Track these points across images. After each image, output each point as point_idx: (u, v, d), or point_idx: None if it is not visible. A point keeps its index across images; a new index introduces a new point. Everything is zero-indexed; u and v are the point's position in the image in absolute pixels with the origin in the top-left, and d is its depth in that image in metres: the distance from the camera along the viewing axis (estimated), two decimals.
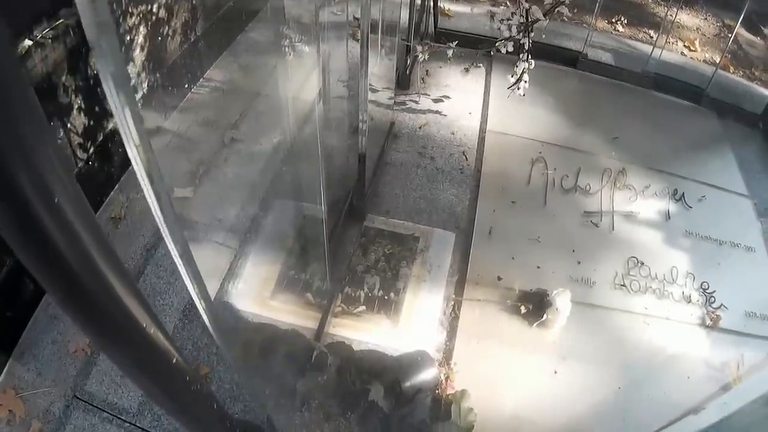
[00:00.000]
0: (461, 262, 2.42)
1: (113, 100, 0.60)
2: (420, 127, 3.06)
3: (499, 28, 2.54)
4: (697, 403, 2.14)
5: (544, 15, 2.45)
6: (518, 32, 2.49)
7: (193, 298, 0.95)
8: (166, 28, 2.73)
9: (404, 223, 2.54)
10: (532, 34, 2.46)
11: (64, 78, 2.12)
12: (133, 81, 2.53)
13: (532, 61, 2.49)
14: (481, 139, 2.99)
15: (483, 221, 2.56)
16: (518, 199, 2.71)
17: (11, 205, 0.47)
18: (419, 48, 2.97)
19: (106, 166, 2.49)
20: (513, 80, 2.53)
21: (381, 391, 1.85)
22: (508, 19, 2.53)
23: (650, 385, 2.18)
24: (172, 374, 0.87)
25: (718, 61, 4.04)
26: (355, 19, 2.72)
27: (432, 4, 3.46)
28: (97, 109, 2.36)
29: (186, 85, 3.01)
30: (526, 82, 2.52)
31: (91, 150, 2.38)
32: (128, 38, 2.45)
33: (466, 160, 2.86)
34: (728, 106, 3.87)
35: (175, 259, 0.86)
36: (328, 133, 2.35)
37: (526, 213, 2.66)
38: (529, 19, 2.46)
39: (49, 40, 2.02)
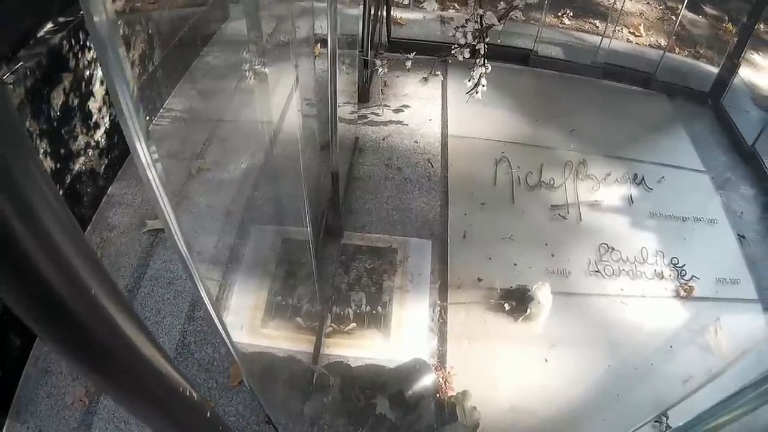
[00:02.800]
0: (441, 268, 2.67)
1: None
2: (384, 139, 3.31)
3: (454, 35, 2.76)
4: (682, 369, 2.44)
5: (499, 20, 2.70)
6: (474, 38, 2.73)
7: (220, 329, 1.10)
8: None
9: (381, 236, 2.78)
10: (487, 39, 2.71)
11: (27, 123, 2.26)
12: (95, 117, 2.71)
13: (489, 66, 2.75)
14: (444, 145, 3.27)
15: (456, 226, 2.82)
16: (487, 200, 2.99)
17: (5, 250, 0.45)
18: (378, 62, 3.21)
19: (77, 207, 2.63)
20: (470, 85, 2.79)
21: (386, 404, 2.06)
22: (463, 26, 2.76)
23: (636, 360, 2.48)
24: (183, 406, 0.87)
25: (663, 44, 4.45)
26: (315, 35, 2.95)
27: (384, 14, 3.71)
28: (62, 151, 2.51)
29: (147, 117, 3.17)
30: (483, 86, 2.78)
31: (60, 192, 2.53)
32: (88, 73, 2.63)
33: (432, 167, 3.13)
34: (677, 88, 4.29)
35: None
36: (301, 152, 2.57)
37: (496, 213, 2.94)
38: (484, 25, 2.70)
39: (10, 85, 2.15)
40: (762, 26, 5.85)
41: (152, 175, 0.85)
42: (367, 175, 3.08)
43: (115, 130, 2.89)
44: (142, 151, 0.81)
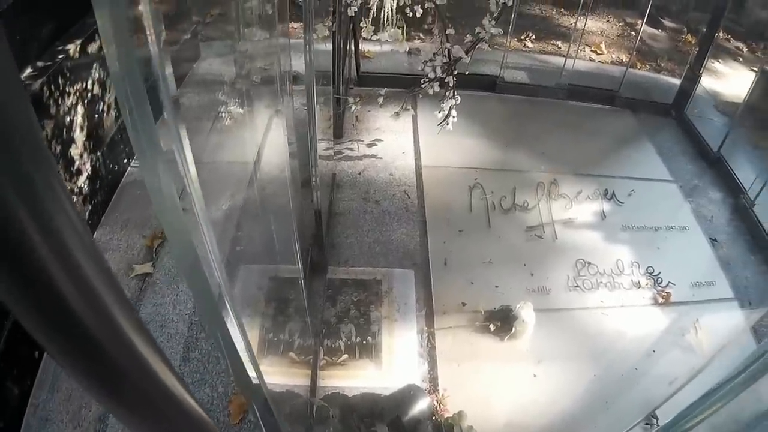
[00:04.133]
0: (425, 295, 2.86)
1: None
2: (360, 173, 3.53)
3: (423, 69, 3.00)
4: (666, 371, 2.64)
5: (466, 53, 2.95)
6: (443, 72, 2.97)
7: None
8: (101, 104, 3.10)
9: (365, 269, 2.97)
10: (456, 72, 2.95)
11: None
12: (77, 163, 2.88)
13: (458, 97, 2.98)
14: (419, 176, 3.50)
15: (436, 254, 3.03)
16: (464, 226, 3.21)
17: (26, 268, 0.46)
18: (351, 100, 3.45)
19: None
20: (441, 116, 3.02)
21: (386, 430, 2.23)
22: (432, 60, 3.00)
23: (621, 367, 2.68)
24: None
25: (625, 61, 4.78)
26: (288, 73, 3.16)
27: (353, 48, 3.96)
28: None
29: (125, 160, 3.36)
30: (454, 117, 3.02)
31: None
32: (68, 119, 2.80)
33: (409, 198, 3.35)
34: (641, 102, 4.62)
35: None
36: (282, 191, 2.77)
37: (474, 238, 3.16)
38: (452, 59, 2.94)
39: None
40: (721, 34, 6.28)
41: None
42: (346, 210, 3.28)
43: (97, 176, 3.05)
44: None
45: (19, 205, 0.43)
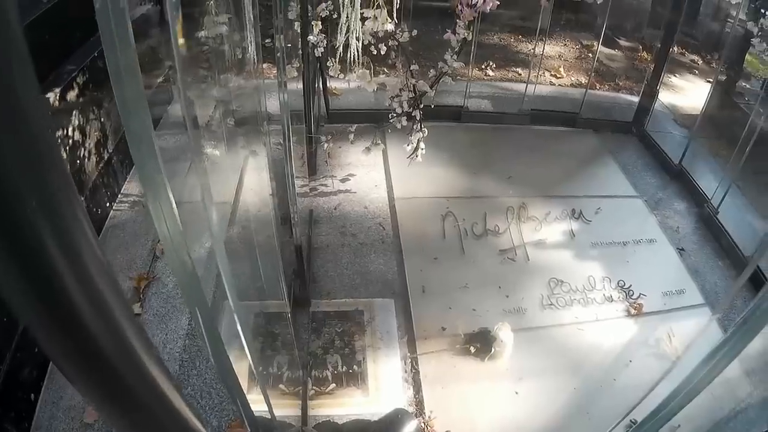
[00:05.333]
0: (406, 323, 3.04)
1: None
2: (335, 208, 3.72)
3: (390, 105, 3.21)
4: (643, 378, 2.82)
5: (430, 87, 3.17)
6: (409, 106, 3.18)
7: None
8: (82, 149, 3.24)
9: (346, 300, 3.14)
10: (422, 105, 3.17)
11: None
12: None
13: (425, 130, 3.19)
14: (393, 208, 3.71)
15: (414, 282, 3.22)
16: (439, 254, 3.41)
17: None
18: (323, 138, 3.65)
19: None
20: (410, 149, 3.24)
21: None
22: (398, 95, 3.22)
23: (600, 379, 2.87)
24: None
25: (584, 83, 5.09)
26: (262, 112, 3.34)
27: (322, 87, 4.18)
28: None
29: (108, 204, 3.50)
30: (422, 149, 3.23)
31: None
32: None
33: (384, 229, 3.55)
34: (602, 122, 4.92)
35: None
36: (263, 228, 2.94)
37: (450, 265, 3.35)
38: (417, 93, 3.16)
39: None
40: (676, 49, 6.67)
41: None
42: (325, 245, 3.46)
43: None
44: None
45: (48, 233, 0.46)
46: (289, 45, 3.39)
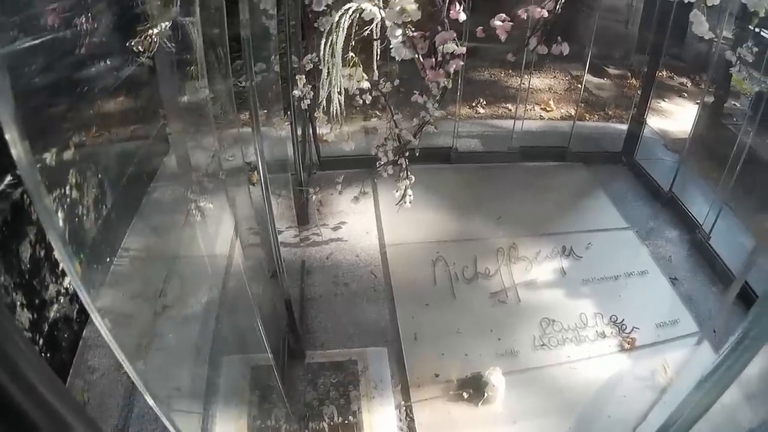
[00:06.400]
0: (399, 370, 3.13)
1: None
2: (327, 258, 3.84)
3: (376, 154, 3.33)
4: (639, 413, 2.90)
5: (414, 136, 3.28)
6: (395, 155, 3.29)
7: None
8: (80, 207, 3.36)
9: (340, 350, 3.24)
10: (407, 154, 3.28)
11: (2, 277, 2.62)
12: (61, 265, 3.12)
13: (412, 177, 3.28)
14: (384, 255, 3.83)
15: (406, 329, 3.32)
16: (430, 300, 3.51)
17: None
18: (311, 190, 3.78)
19: (57, 353, 2.99)
20: (398, 195, 3.34)
21: None
22: (383, 145, 3.33)
23: (595, 416, 2.95)
24: None
25: (574, 114, 5.22)
26: (248, 164, 3.47)
27: (311, 133, 4.33)
28: (37, 301, 2.89)
29: (108, 259, 3.61)
30: (410, 195, 3.33)
31: (41, 342, 2.90)
32: None
33: (376, 277, 3.67)
34: (591, 154, 5.06)
35: None
36: (252, 282, 3.04)
37: (441, 311, 3.46)
38: (402, 142, 3.27)
39: None
40: (664, 73, 6.81)
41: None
42: (318, 295, 3.57)
43: None
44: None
45: None
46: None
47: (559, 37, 2.51)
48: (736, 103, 6.00)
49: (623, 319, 3.43)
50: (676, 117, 6.19)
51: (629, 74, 6.90)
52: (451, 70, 2.62)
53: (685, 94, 6.83)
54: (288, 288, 3.00)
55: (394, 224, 4.05)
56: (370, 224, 4.12)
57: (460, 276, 3.68)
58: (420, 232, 4.00)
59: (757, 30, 3.88)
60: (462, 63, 2.75)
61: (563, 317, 3.44)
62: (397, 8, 2.29)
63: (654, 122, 5.86)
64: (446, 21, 2.33)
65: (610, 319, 3.45)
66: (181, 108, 3.31)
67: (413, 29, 2.43)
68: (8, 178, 2.91)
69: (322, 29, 3.13)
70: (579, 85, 6.18)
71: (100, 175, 3.60)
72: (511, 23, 2.45)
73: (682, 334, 3.39)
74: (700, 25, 2.40)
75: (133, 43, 2.90)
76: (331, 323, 3.40)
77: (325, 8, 2.81)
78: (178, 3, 2.69)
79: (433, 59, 2.58)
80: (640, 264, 3.88)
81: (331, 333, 3.34)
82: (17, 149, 0.84)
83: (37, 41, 2.93)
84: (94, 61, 3.49)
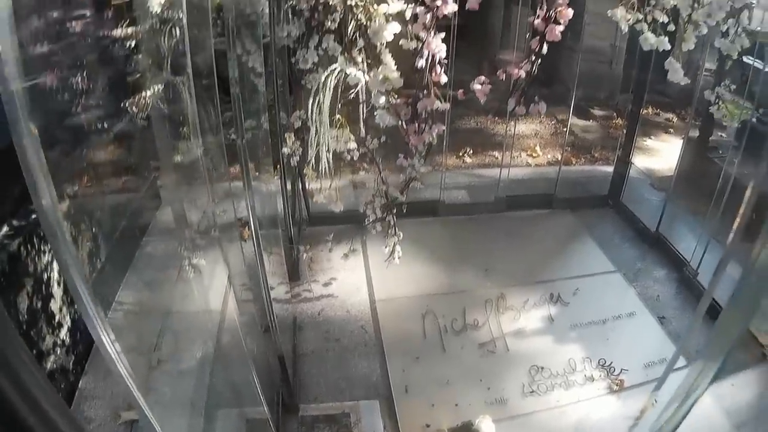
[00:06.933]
0: (391, 422, 3.29)
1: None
2: (319, 314, 4.03)
3: (365, 211, 3.53)
4: None
5: (401, 192, 3.48)
6: (382, 212, 3.49)
7: None
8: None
9: (333, 404, 3.40)
10: (395, 211, 3.48)
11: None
12: (57, 317, 3.30)
13: (401, 233, 3.46)
14: (374, 310, 4.03)
15: (397, 382, 3.49)
16: (420, 353, 3.69)
17: None
18: (301, 248, 4.00)
19: None
20: (387, 252, 3.54)
21: None
22: (371, 202, 3.53)
23: None
24: None
25: (559, 159, 5.46)
26: (239, 219, 3.66)
27: (301, 189, 4.55)
28: (34, 352, 2.98)
29: (103, 312, 3.76)
30: (399, 251, 3.52)
31: None
32: (45, 276, 3.21)
33: (366, 332, 3.85)
34: (578, 199, 5.29)
35: None
36: (247, 337, 3.22)
37: (431, 363, 3.63)
38: (389, 199, 3.47)
39: None
40: (650, 110, 7.07)
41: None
42: (310, 350, 3.74)
43: (77, 328, 3.40)
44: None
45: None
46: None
47: (536, 97, 2.76)
48: (723, 134, 6.21)
49: (611, 362, 3.59)
50: (662, 154, 6.43)
51: (615, 114, 7.17)
52: (434, 135, 2.86)
53: (672, 130, 7.08)
54: (281, 343, 3.18)
55: (383, 279, 4.25)
56: (360, 280, 4.32)
57: (450, 328, 3.87)
58: (409, 287, 4.20)
59: (750, 57, 4.04)
60: (443, 127, 3.00)
61: (552, 363, 3.61)
62: (380, 77, 2.55)
63: (640, 161, 6.11)
64: (429, 83, 2.56)
65: (599, 362, 3.61)
66: (172, 163, 3.49)
67: (396, 96, 2.69)
68: (5, 229, 3.05)
69: (309, 86, 3.40)
70: (565, 129, 6.46)
71: (94, 229, 3.75)
72: (490, 86, 2.72)
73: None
74: (675, 72, 2.65)
75: (127, 104, 3.15)
76: (323, 377, 3.56)
77: (312, 66, 3.08)
78: (169, 65, 2.94)
79: (416, 124, 2.84)
80: (627, 306, 4.07)
81: (323, 387, 3.50)
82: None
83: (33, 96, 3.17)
84: (89, 117, 3.72)
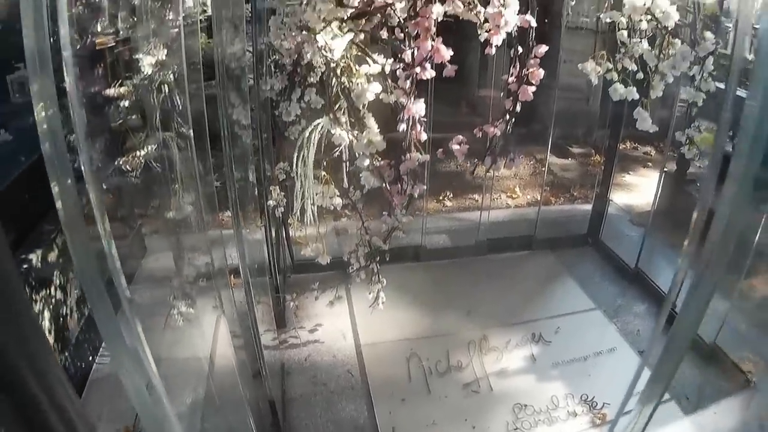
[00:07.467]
0: None
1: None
2: (306, 359, 4.21)
3: (348, 260, 3.74)
4: None
5: (384, 241, 3.69)
6: (366, 261, 3.69)
7: None
8: (65, 307, 3.68)
9: None
10: (378, 258, 3.68)
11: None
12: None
13: (384, 280, 3.66)
14: (359, 354, 4.22)
15: (384, 424, 3.67)
16: (406, 395, 3.88)
17: None
18: (288, 297, 4.21)
19: None
20: (371, 298, 3.74)
21: None
22: (355, 251, 3.73)
23: None
24: None
25: (538, 199, 5.72)
26: (227, 268, 3.84)
27: (285, 237, 4.76)
28: None
29: (91, 358, 3.92)
30: (383, 298, 3.72)
31: None
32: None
33: (353, 376, 4.04)
34: (557, 239, 5.53)
35: None
36: (236, 384, 3.38)
37: (417, 405, 3.82)
38: (372, 248, 3.68)
39: None
40: (628, 144, 7.36)
41: None
42: (298, 395, 3.91)
43: (67, 374, 3.43)
44: None
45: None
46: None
47: (512, 153, 3.02)
48: (701, 166, 6.44)
49: (594, 397, 3.79)
50: (640, 189, 6.68)
51: (593, 151, 7.45)
52: (417, 194, 3.10)
53: (650, 164, 7.34)
54: (271, 389, 3.37)
55: (368, 325, 4.45)
56: (345, 326, 4.52)
57: (434, 370, 4.06)
58: (394, 331, 4.41)
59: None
60: (425, 186, 3.25)
61: (535, 401, 3.80)
62: (365, 141, 2.79)
63: (619, 197, 6.39)
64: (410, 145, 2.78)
65: (581, 397, 3.80)
66: (158, 212, 3.65)
67: (380, 159, 2.92)
68: None
69: (293, 138, 3.63)
70: (543, 169, 6.75)
71: None
72: (468, 146, 2.97)
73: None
74: (643, 121, 2.80)
75: (121, 162, 3.35)
76: (312, 421, 3.72)
77: (295, 117, 3.31)
78: (159, 121, 3.17)
79: (399, 185, 3.07)
80: (608, 342, 4.29)
81: (312, 430, 3.67)
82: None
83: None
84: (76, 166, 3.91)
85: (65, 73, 1.33)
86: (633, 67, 2.84)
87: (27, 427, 0.86)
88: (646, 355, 3.80)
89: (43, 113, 1.11)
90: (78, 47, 3.58)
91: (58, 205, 1.15)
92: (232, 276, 3.70)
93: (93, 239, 1.28)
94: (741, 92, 1.36)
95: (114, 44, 4.10)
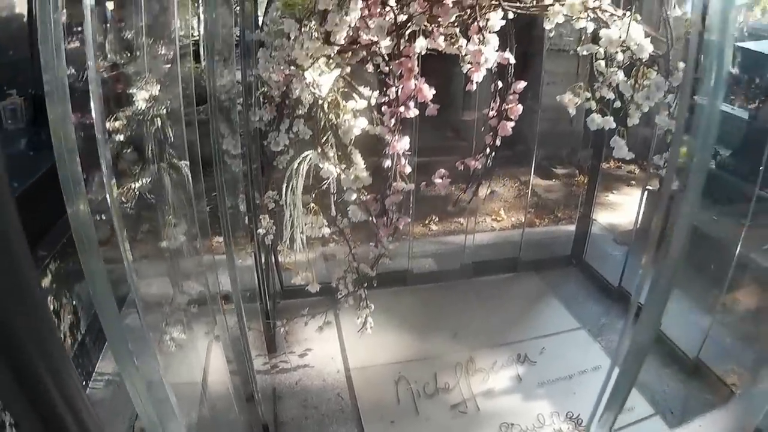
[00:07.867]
0: None
1: None
2: (296, 383, 4.37)
3: (337, 286, 3.93)
4: None
5: (371, 268, 3.86)
6: (354, 287, 3.87)
7: None
8: (58, 333, 3.78)
9: None
10: (366, 284, 3.80)
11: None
12: None
13: (372, 305, 3.85)
14: (349, 378, 4.38)
15: None
16: (395, 417, 4.03)
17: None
18: (279, 323, 4.38)
19: None
20: (360, 323, 3.93)
21: None
22: (343, 277, 3.90)
23: None
24: None
25: (523, 222, 5.94)
26: (217, 293, 3.97)
27: (274, 264, 4.94)
28: None
29: (84, 383, 4.01)
30: (371, 323, 3.90)
31: None
32: None
33: (342, 399, 4.20)
34: (541, 261, 5.72)
35: None
36: (230, 409, 3.53)
37: (406, 426, 3.98)
38: (360, 274, 3.85)
39: None
40: (612, 163, 7.60)
41: None
42: (290, 419, 4.06)
43: None
44: None
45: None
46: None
47: (490, 187, 3.22)
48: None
49: (579, 414, 3.95)
50: (624, 208, 6.91)
51: (577, 171, 7.69)
52: (401, 227, 3.30)
53: (633, 182, 7.57)
54: (264, 413, 3.52)
55: (357, 349, 4.61)
56: (334, 350, 4.68)
57: (422, 392, 4.23)
58: (382, 355, 4.56)
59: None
60: (409, 219, 3.45)
61: (521, 420, 3.96)
62: (352, 176, 2.99)
63: (603, 217, 6.64)
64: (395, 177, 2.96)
65: (566, 415, 3.96)
66: (150, 237, 3.78)
67: (366, 193, 3.11)
68: None
69: (281, 167, 3.80)
70: (527, 191, 6.98)
71: (74, 302, 3.99)
72: (450, 179, 3.18)
73: (637, 418, 3.89)
74: (620, 149, 2.90)
75: (116, 195, 3.49)
76: None
77: (284, 147, 3.48)
78: (155, 160, 3.33)
79: (385, 218, 3.26)
80: (592, 360, 4.47)
81: None
82: None
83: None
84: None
85: (92, 103, 1.46)
86: (611, 95, 2.95)
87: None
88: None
89: (62, 142, 1.24)
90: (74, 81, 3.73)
91: (75, 230, 1.30)
92: (223, 302, 3.84)
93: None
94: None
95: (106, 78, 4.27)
